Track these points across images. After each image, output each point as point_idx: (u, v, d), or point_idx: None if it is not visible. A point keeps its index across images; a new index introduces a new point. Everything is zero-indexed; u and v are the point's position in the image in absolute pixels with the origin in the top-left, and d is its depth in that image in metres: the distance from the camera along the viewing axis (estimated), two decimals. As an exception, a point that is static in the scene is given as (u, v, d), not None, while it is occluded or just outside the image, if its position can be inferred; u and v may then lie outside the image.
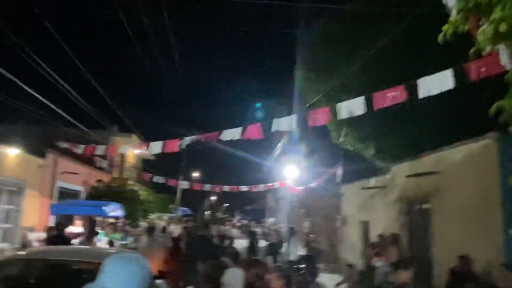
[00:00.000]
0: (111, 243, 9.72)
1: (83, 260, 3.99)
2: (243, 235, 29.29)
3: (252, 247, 7.82)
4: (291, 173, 20.50)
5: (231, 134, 7.67)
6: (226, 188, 20.45)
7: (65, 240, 6.69)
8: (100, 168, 17.23)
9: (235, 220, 43.03)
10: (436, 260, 6.98)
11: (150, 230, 12.53)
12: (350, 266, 7.69)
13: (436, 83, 5.59)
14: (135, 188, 17.92)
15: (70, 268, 3.95)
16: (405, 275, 3.94)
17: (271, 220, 31.96)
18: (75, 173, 14.09)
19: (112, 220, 14.51)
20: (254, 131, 7.44)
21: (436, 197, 7.01)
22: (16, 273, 3.75)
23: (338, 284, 7.81)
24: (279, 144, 24.96)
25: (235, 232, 30.41)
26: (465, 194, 6.32)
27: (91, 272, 4.07)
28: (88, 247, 5.79)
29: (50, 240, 6.86)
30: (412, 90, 5.77)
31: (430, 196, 7.13)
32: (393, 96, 5.91)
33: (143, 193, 19.87)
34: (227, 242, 10.28)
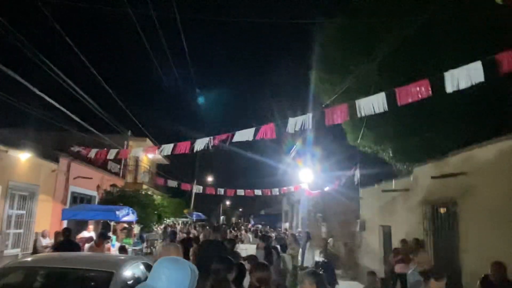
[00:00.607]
0: (123, 249, 9.45)
1: (76, 267, 3.72)
2: (257, 240, 28.85)
3: (267, 253, 7.52)
4: (306, 176, 20.10)
5: (244, 135, 7.36)
6: (240, 192, 20.10)
7: (73, 245, 6.45)
8: (114, 173, 17.15)
9: (250, 225, 42.61)
10: (465, 267, 6.50)
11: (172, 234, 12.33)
12: (372, 273, 7.23)
13: (465, 76, 5.16)
14: (149, 192, 17.80)
15: (63, 275, 3.69)
16: (437, 286, 3.53)
17: (286, 225, 31.49)
18: (89, 178, 14.01)
19: (125, 225, 14.37)
20: (268, 131, 7.12)
21: (464, 199, 6.53)
22: (6, 282, 3.50)
23: (359, 292, 7.39)
24: (294, 147, 24.55)
25: (249, 237, 30.04)
26: (496, 195, 5.86)
27: (86, 279, 3.83)
28: (87, 253, 5.50)
29: (56, 246, 6.62)
30: (439, 84, 5.38)
31: (458, 198, 6.65)
32: (417, 91, 5.50)
33: (157, 197, 19.75)
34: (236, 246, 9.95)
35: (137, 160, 21.71)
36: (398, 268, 8.25)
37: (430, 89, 5.42)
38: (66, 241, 6.56)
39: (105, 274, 3.64)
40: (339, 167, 15.99)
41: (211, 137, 7.97)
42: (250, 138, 7.19)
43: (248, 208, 59.45)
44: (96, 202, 14.89)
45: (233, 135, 7.54)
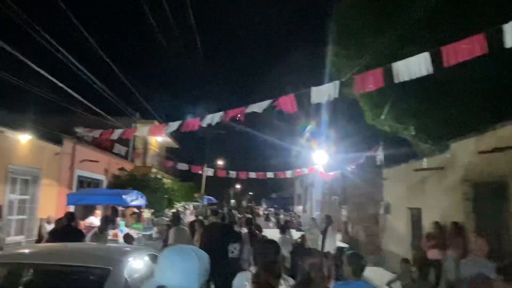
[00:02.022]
0: (128, 237, 8.79)
1: (65, 263, 3.02)
2: (267, 223, 28.45)
3: (251, 235, 7.53)
4: (320, 158, 19.28)
5: (260, 107, 6.57)
6: (252, 175, 19.36)
7: (74, 232, 5.80)
8: (122, 156, 16.55)
9: (261, 209, 42.06)
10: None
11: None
12: (406, 260, 6.49)
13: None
14: (158, 176, 17.22)
15: (48, 274, 3.01)
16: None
17: (299, 208, 30.88)
18: (96, 161, 13.42)
19: (135, 210, 13.82)
20: (287, 103, 6.29)
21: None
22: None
23: (390, 282, 6.65)
24: (308, 129, 23.70)
25: (261, 221, 29.50)
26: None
27: (75, 279, 3.14)
28: (82, 245, 4.79)
29: (56, 233, 5.96)
30: (496, 39, 4.49)
31: (509, 175, 5.77)
32: (470, 48, 4.61)
33: (167, 181, 19.18)
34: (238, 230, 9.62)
35: (146, 143, 21.10)
36: (431, 254, 7.51)
37: (486, 44, 4.53)
38: (67, 226, 5.91)
39: (100, 272, 2.93)
40: (356, 148, 15.14)
41: (222, 112, 7.23)
42: (264, 107, 6.42)
43: (259, 192, 59.12)
44: (104, 186, 14.36)
45: (245, 109, 6.78)
